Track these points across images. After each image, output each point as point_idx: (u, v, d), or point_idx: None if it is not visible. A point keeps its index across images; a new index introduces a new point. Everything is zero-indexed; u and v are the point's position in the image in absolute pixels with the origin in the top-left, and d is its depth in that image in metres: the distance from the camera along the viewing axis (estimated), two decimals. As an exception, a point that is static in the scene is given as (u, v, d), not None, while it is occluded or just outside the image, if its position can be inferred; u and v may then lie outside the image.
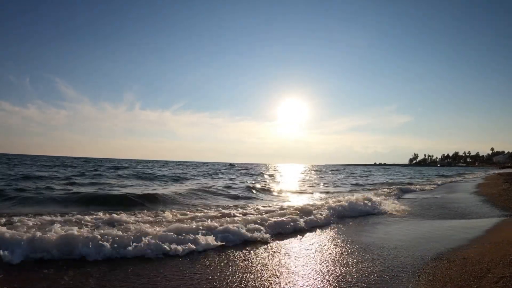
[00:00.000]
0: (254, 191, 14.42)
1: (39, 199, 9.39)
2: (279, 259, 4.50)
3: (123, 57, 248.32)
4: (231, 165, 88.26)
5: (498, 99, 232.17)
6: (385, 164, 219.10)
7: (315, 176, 32.80)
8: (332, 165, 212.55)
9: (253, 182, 20.41)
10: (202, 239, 5.01)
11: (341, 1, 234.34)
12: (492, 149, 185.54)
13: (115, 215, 6.68)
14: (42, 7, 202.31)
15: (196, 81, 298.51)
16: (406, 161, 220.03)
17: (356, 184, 21.77)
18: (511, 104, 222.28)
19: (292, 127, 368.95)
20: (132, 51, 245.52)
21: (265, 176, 30.40)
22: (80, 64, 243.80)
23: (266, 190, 15.38)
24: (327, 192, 15.85)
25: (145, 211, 8.04)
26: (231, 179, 23.24)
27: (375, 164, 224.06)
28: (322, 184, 21.70)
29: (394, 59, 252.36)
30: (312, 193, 15.39)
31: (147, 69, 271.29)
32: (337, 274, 3.87)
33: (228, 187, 15.56)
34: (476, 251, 4.63)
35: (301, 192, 15.72)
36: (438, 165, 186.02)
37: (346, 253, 4.87)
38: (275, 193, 14.64)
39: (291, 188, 17.53)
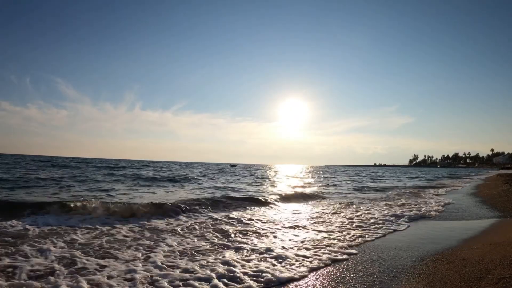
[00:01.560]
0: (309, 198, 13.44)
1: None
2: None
3: (123, 58, 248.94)
4: (232, 165, 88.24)
5: (498, 100, 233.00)
6: (385, 165, 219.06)
7: (337, 178, 31.05)
8: (332, 166, 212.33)
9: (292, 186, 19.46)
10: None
11: (342, 2, 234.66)
12: (492, 150, 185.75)
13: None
14: (43, 7, 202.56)
15: (196, 81, 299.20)
16: (406, 162, 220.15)
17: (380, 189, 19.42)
18: (511, 105, 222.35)
19: (293, 128, 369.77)
20: (132, 52, 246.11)
21: (289, 179, 28.60)
22: (81, 64, 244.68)
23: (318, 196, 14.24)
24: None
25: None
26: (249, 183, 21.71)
27: (375, 165, 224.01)
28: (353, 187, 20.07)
29: (395, 60, 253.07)
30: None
31: (148, 70, 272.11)
32: (337, 275, 3.89)
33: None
34: (476, 252, 4.63)
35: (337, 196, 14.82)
36: (438, 166, 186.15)
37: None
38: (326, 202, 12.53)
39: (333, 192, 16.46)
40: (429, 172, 70.83)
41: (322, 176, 36.55)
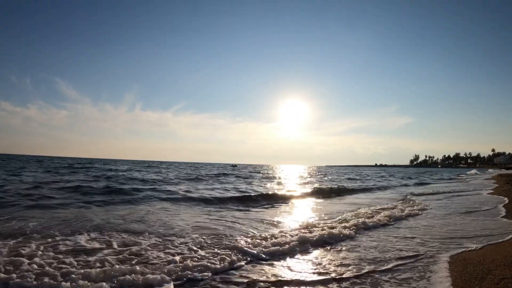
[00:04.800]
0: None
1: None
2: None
3: (124, 58, 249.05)
4: (233, 166, 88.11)
5: (499, 100, 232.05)
6: (385, 165, 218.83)
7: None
8: (333, 166, 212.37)
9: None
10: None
11: (341, 2, 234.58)
12: (493, 150, 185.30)
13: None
14: (43, 8, 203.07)
15: (196, 82, 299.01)
16: (406, 162, 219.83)
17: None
18: (511, 106, 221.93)
19: (293, 128, 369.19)
20: (132, 52, 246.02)
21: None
22: (81, 65, 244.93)
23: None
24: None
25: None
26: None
27: (376, 165, 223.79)
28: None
29: (395, 60, 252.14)
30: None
31: (148, 70, 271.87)
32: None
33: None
34: (477, 252, 4.62)
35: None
36: (439, 166, 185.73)
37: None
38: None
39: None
40: (435, 172, 70.28)
41: (354, 178, 32.03)
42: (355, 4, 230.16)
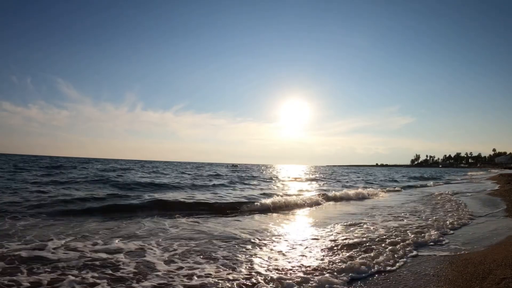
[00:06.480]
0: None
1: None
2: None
3: (124, 58, 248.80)
4: (234, 166, 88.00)
5: (500, 100, 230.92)
6: (387, 165, 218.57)
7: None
8: (334, 166, 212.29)
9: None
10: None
11: (342, 2, 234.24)
12: (494, 150, 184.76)
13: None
14: (44, 8, 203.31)
15: (197, 82, 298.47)
16: (407, 162, 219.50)
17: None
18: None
19: (294, 129, 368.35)
20: (133, 52, 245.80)
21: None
22: (82, 64, 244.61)
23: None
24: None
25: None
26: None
27: (377, 165, 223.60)
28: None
29: (396, 60, 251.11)
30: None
31: (149, 70, 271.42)
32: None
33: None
34: (478, 252, 4.63)
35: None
36: (440, 166, 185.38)
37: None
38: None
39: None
40: (439, 172, 69.85)
41: (363, 178, 30.30)
42: (356, 3, 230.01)
